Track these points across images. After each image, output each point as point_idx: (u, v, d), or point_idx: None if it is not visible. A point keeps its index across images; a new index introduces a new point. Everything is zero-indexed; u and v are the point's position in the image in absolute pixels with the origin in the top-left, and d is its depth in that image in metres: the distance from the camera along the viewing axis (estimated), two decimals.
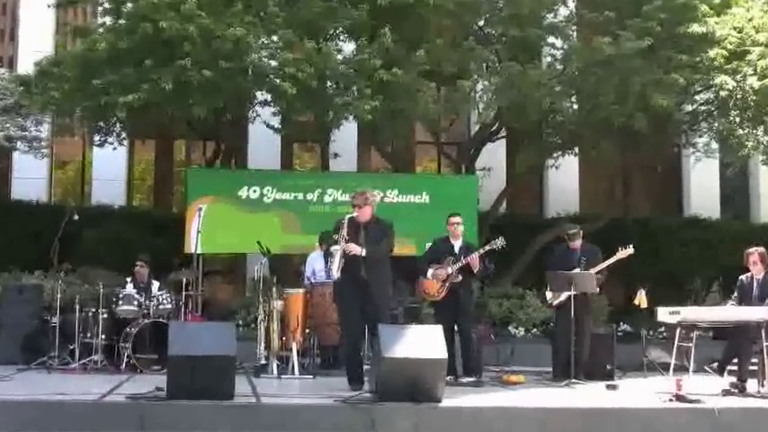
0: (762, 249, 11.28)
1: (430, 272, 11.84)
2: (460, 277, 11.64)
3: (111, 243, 16.48)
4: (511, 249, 17.22)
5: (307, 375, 11.73)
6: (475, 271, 11.61)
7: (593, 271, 11.97)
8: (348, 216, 10.55)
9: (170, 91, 13.31)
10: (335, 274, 10.24)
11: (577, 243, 12.43)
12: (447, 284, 11.68)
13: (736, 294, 11.50)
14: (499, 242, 11.79)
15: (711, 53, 14.46)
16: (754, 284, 11.17)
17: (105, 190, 19.21)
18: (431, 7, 14.57)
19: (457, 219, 12.02)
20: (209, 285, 16.00)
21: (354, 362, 10.46)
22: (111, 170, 19.22)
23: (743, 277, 11.40)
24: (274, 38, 14.19)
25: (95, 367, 12.16)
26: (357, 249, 10.21)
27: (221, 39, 13.32)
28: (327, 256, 10.66)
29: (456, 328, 11.58)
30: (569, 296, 11.87)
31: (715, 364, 11.25)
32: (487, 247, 11.68)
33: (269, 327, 12.24)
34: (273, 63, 14.00)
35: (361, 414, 8.70)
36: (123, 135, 16.87)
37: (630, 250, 12.11)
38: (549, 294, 12.49)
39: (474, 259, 11.56)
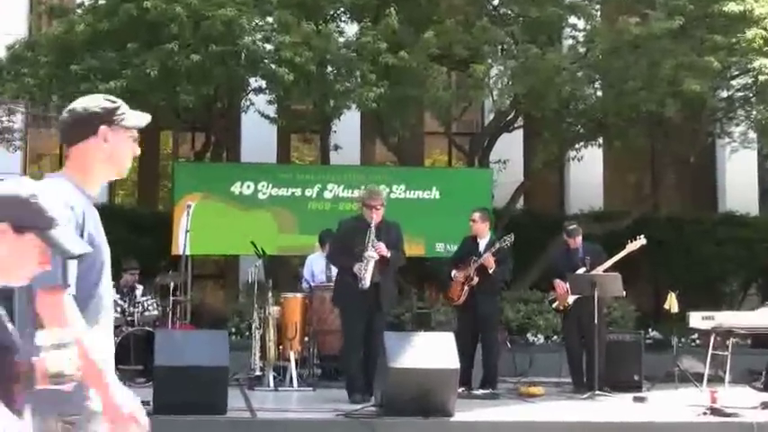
0: None
1: (453, 272, 11.88)
2: (476, 279, 11.64)
3: None
4: (528, 250, 17.37)
5: (306, 387, 11.74)
6: (490, 271, 11.61)
7: (601, 268, 11.99)
8: (352, 216, 10.66)
9: (155, 77, 13.34)
10: (368, 283, 10.30)
11: (578, 241, 12.45)
12: (467, 287, 11.70)
13: None
14: (508, 240, 11.80)
15: (749, 34, 14.44)
16: None
17: None
18: None
19: (474, 215, 12.03)
20: (198, 290, 16.03)
21: (355, 371, 10.51)
22: None
23: None
24: (269, 19, 14.23)
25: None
26: (386, 252, 10.29)
27: (211, 20, 13.33)
28: (336, 261, 10.75)
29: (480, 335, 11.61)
30: (576, 299, 11.91)
31: (758, 382, 11.22)
32: (497, 245, 11.67)
33: (264, 335, 12.25)
34: (268, 47, 14.03)
35: (365, 429, 8.74)
36: None
37: (642, 241, 12.12)
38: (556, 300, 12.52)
39: (487, 259, 11.56)
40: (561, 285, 12.25)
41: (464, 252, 12.06)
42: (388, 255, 10.47)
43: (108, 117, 3.97)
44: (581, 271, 12.13)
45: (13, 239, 3.09)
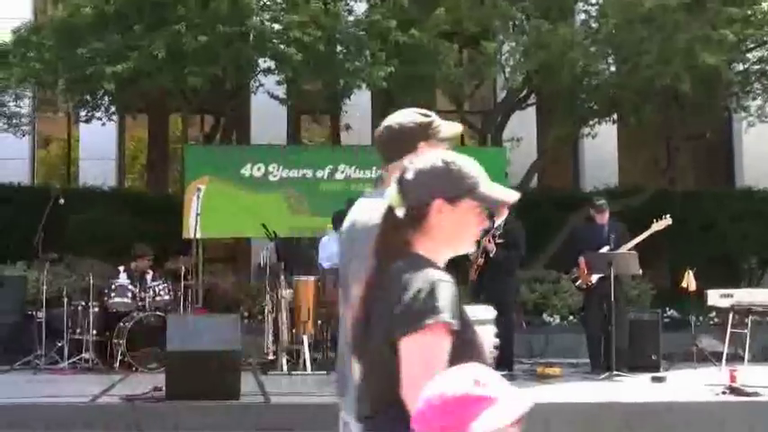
0: None
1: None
2: (481, 260, 11.64)
3: (100, 229, 16.50)
4: (543, 228, 17.34)
5: (320, 371, 11.72)
6: (491, 254, 11.59)
7: (626, 247, 11.94)
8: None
9: (163, 59, 13.30)
10: None
11: (605, 217, 12.39)
12: (476, 266, 11.71)
13: None
14: (498, 222, 11.74)
15: (765, 5, 14.37)
16: None
17: (93, 170, 19.25)
18: None
19: None
20: (210, 274, 16.02)
21: None
22: (99, 148, 19.26)
23: None
24: None
25: (86, 366, 12.20)
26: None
27: (218, 0, 13.29)
28: None
29: None
30: (600, 278, 11.86)
31: None
32: (495, 228, 11.65)
33: (277, 318, 12.27)
34: (277, 26, 13.98)
35: None
36: (112, 109, 16.87)
37: (668, 221, 12.06)
38: (579, 278, 12.48)
39: (486, 242, 11.55)
40: (585, 263, 12.21)
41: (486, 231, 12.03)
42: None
43: (424, 132, 4.07)
44: (605, 249, 12.08)
45: (450, 211, 3.19)
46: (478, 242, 11.63)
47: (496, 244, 11.66)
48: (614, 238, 12.14)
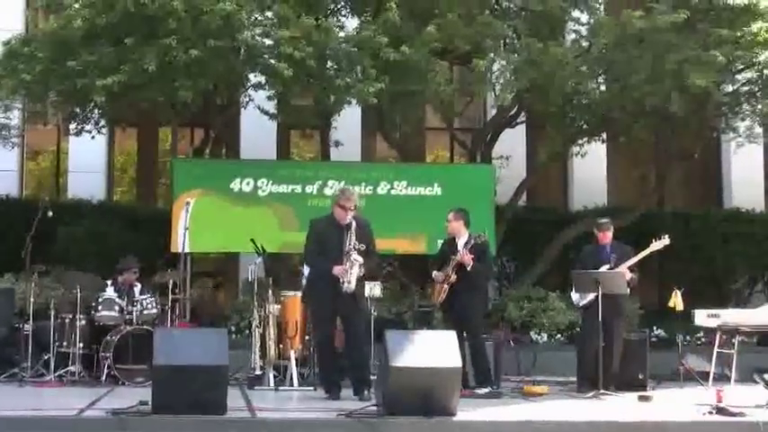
0: None
1: (434, 273, 11.96)
2: (454, 277, 11.67)
3: (89, 241, 16.49)
4: (532, 246, 17.40)
5: (307, 387, 11.75)
6: (468, 268, 11.63)
7: (623, 266, 11.99)
8: (323, 216, 10.89)
9: (153, 72, 13.30)
10: (353, 286, 10.47)
11: (608, 236, 12.45)
12: (446, 286, 11.74)
13: None
14: (483, 236, 11.85)
15: (754, 27, 14.43)
16: None
17: (83, 183, 19.22)
18: None
19: (449, 215, 12.12)
20: (198, 288, 16.00)
21: (329, 366, 10.86)
22: (88, 161, 19.22)
23: None
24: (269, 13, 14.19)
25: (73, 379, 12.17)
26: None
27: (210, 14, 13.29)
28: (315, 262, 10.89)
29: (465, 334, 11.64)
30: (596, 297, 11.90)
31: (767, 375, 11.21)
32: (472, 242, 11.70)
33: (264, 333, 12.26)
34: (268, 41, 13.98)
35: (367, 429, 8.72)
36: (102, 122, 16.86)
37: (666, 241, 12.12)
38: (575, 296, 12.54)
39: (462, 256, 11.60)
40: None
41: (444, 252, 12.14)
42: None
43: None
44: (605, 268, 12.13)
45: None
46: (450, 259, 11.73)
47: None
48: (615, 257, 12.18)
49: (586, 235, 12.78)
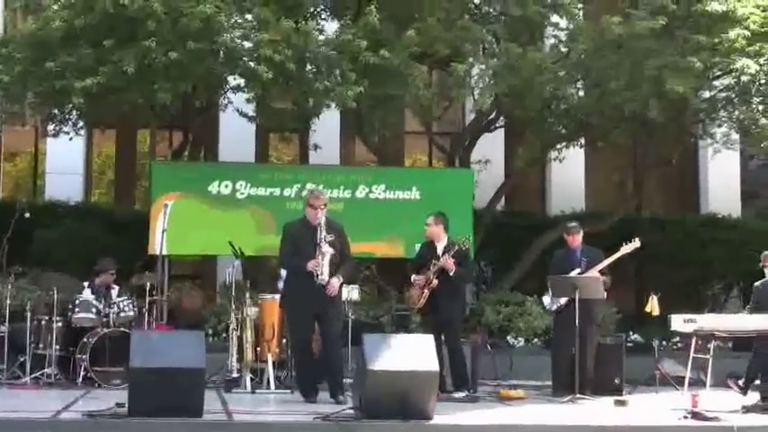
0: None
1: (413, 277, 11.97)
2: (436, 282, 11.68)
3: (66, 243, 16.44)
4: (510, 251, 17.41)
5: (284, 390, 11.75)
6: (451, 273, 11.65)
7: (595, 270, 12.03)
8: (296, 220, 10.93)
9: (132, 74, 13.28)
10: (327, 277, 10.45)
11: (578, 240, 12.48)
12: (426, 291, 11.74)
13: (751, 302, 11.56)
14: (466, 241, 11.91)
15: (732, 34, 14.47)
16: None
17: (60, 185, 19.15)
18: None
19: (428, 219, 12.10)
20: (175, 291, 15.96)
21: (306, 370, 10.86)
22: (66, 163, 19.15)
23: (758, 284, 11.45)
24: (248, 16, 14.18)
25: (49, 381, 12.15)
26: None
27: (189, 17, 13.28)
28: (290, 263, 10.91)
29: (443, 338, 11.65)
30: (569, 301, 11.95)
31: (741, 381, 11.25)
32: (456, 247, 11.71)
33: (242, 336, 12.25)
34: (247, 44, 13.98)
35: None
36: (80, 124, 16.81)
37: (636, 244, 12.17)
38: (546, 299, 12.58)
39: (446, 261, 11.61)
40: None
41: (422, 256, 12.14)
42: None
43: None
44: (575, 272, 12.17)
45: None
46: (431, 264, 11.74)
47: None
48: (585, 261, 12.22)
49: (564, 240, 12.80)
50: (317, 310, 10.62)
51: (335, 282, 10.64)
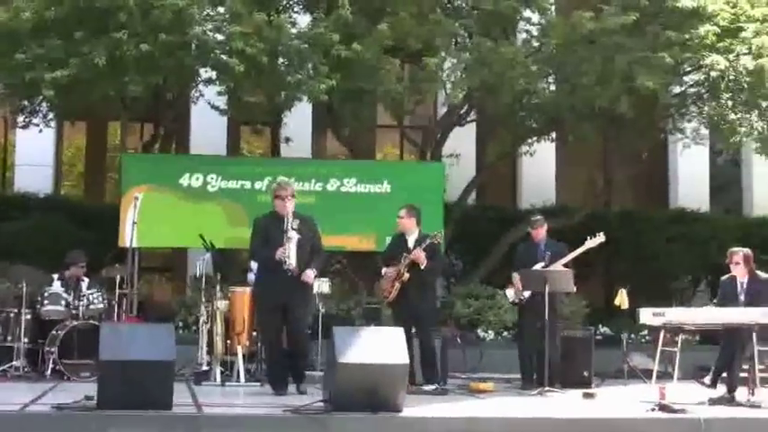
0: (747, 251, 11.39)
1: (384, 270, 11.96)
2: (407, 275, 11.66)
3: (36, 235, 16.36)
4: (481, 244, 17.46)
5: (253, 383, 11.74)
6: (422, 267, 11.64)
7: (559, 264, 12.08)
8: (266, 213, 10.93)
9: (103, 66, 13.23)
10: (294, 263, 10.44)
11: (541, 234, 12.52)
12: (397, 284, 11.72)
13: (718, 296, 11.64)
14: (438, 235, 11.87)
15: (702, 30, 14.56)
16: (738, 288, 11.26)
17: (30, 177, 19.05)
18: None
19: (400, 211, 12.05)
20: (145, 283, 15.94)
21: (276, 363, 10.88)
22: (36, 155, 19.07)
23: (725, 279, 11.50)
24: (220, 9, 14.15)
25: (17, 374, 12.07)
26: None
27: (161, 9, 13.24)
28: (260, 254, 10.91)
29: (414, 331, 11.65)
30: (532, 294, 12.01)
31: (706, 379, 11.31)
32: (427, 241, 11.69)
33: (212, 329, 12.24)
34: (219, 37, 13.95)
35: (314, 425, 8.72)
36: (50, 116, 16.73)
37: (601, 238, 12.22)
38: (510, 293, 12.60)
39: (417, 254, 11.60)
40: (519, 279, 12.31)
41: (393, 249, 12.09)
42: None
43: None
44: (539, 265, 12.21)
45: None
46: (403, 257, 11.74)
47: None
48: (549, 255, 12.26)
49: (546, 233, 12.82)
50: (285, 299, 10.58)
51: (311, 272, 10.63)
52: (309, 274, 10.64)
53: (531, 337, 12.17)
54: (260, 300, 11.10)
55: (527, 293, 12.19)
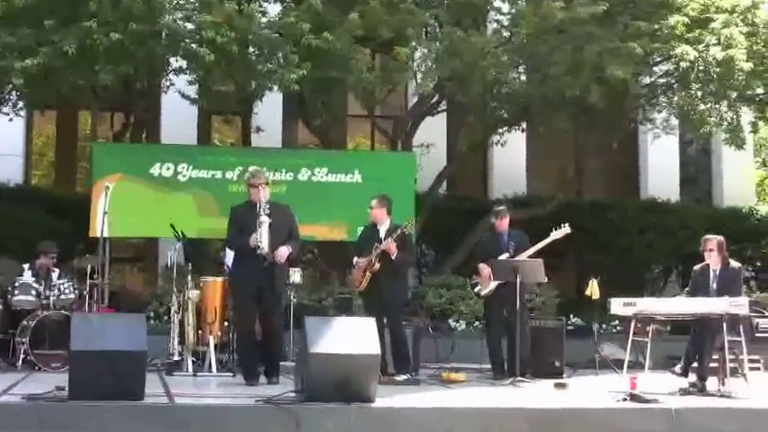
0: (720, 238, 11.41)
1: (355, 260, 11.94)
2: (378, 265, 11.64)
3: (6, 225, 16.27)
4: (451, 234, 17.47)
5: (226, 373, 11.70)
6: (393, 257, 11.62)
7: (524, 255, 12.09)
8: (242, 203, 10.88)
9: (73, 55, 13.16)
10: (266, 248, 10.40)
11: (505, 224, 12.52)
12: (368, 274, 11.70)
13: (690, 286, 11.67)
14: (409, 225, 11.84)
15: (671, 20, 14.62)
16: (711, 276, 11.29)
17: (0, 166, 18.93)
18: None
19: (372, 201, 11.99)
20: (116, 273, 15.87)
21: (248, 353, 10.84)
22: (5, 144, 18.91)
23: (697, 267, 11.53)
24: None
25: None
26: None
27: None
28: (235, 243, 10.87)
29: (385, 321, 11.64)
30: (499, 285, 12.03)
31: (677, 367, 11.36)
32: (398, 231, 11.67)
33: (183, 319, 12.19)
34: (189, 26, 13.90)
35: (285, 416, 8.70)
36: (20, 105, 16.61)
37: (566, 230, 12.21)
38: (478, 286, 12.57)
39: (388, 245, 11.58)
40: (485, 269, 12.29)
41: (365, 239, 12.07)
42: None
43: None
44: (504, 256, 12.21)
45: None
46: (374, 247, 11.72)
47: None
48: (513, 245, 12.27)
49: (510, 223, 12.81)
50: (259, 283, 10.52)
51: (284, 249, 10.57)
52: (282, 251, 10.55)
53: (499, 328, 12.21)
54: (235, 287, 11.08)
55: (493, 284, 12.17)
